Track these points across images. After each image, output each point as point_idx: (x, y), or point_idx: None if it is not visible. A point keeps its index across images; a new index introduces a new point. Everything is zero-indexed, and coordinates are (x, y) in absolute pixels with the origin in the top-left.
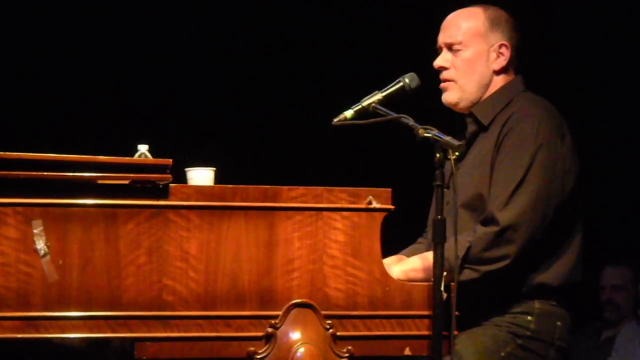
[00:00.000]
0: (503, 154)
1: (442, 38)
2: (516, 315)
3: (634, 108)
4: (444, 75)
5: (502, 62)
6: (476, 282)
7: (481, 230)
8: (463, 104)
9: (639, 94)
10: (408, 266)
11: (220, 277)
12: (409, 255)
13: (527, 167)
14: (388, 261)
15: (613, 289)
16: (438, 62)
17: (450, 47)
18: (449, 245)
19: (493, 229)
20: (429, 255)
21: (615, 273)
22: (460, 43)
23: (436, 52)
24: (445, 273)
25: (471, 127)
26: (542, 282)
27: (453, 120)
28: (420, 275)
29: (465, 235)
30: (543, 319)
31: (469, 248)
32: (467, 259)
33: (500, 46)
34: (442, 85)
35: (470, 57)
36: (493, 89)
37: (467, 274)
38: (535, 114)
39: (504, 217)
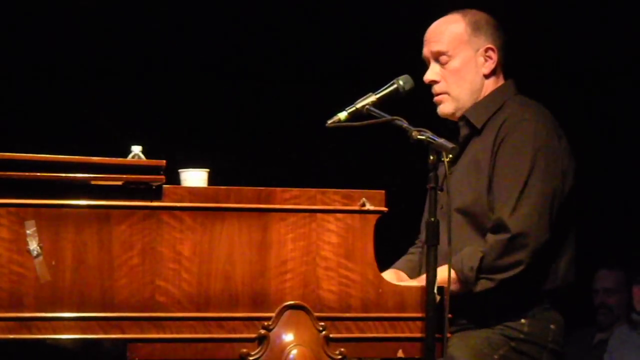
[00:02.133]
0: (502, 160)
1: (427, 50)
2: (510, 318)
3: (629, 110)
4: (435, 89)
5: (490, 65)
6: (492, 291)
7: (492, 238)
8: (459, 113)
9: (633, 96)
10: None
11: (213, 278)
12: (402, 268)
13: (528, 171)
14: (387, 277)
15: (606, 293)
16: (428, 77)
17: (436, 58)
18: (461, 255)
19: (505, 236)
20: (441, 269)
21: (608, 276)
22: (446, 53)
23: (424, 64)
24: (456, 285)
25: (464, 131)
26: (538, 285)
27: (445, 123)
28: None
29: (476, 246)
30: (536, 321)
31: (482, 258)
32: (482, 269)
33: (487, 50)
34: (436, 99)
35: (459, 67)
36: (484, 92)
37: (483, 284)
38: (531, 118)
39: (514, 223)
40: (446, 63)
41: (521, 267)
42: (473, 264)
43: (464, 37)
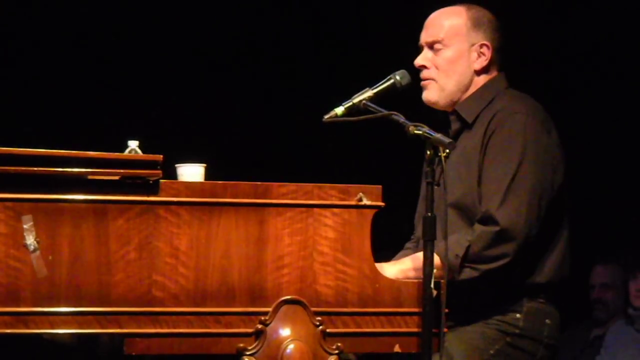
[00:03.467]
0: (492, 152)
1: (424, 36)
2: (505, 313)
3: (624, 103)
4: (424, 74)
5: (482, 62)
6: (475, 281)
7: (480, 229)
8: (443, 102)
9: (628, 89)
10: (405, 266)
11: (210, 273)
12: None
13: (518, 163)
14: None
15: (602, 288)
16: (418, 61)
17: (431, 45)
18: (447, 243)
19: (493, 228)
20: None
21: (605, 272)
22: (441, 42)
23: (419, 50)
24: (439, 271)
25: (455, 125)
26: (530, 279)
27: (436, 117)
28: (420, 274)
29: (464, 234)
30: (532, 316)
31: (468, 247)
32: (467, 258)
33: (482, 46)
34: (422, 83)
35: (451, 57)
36: (474, 88)
37: (468, 273)
38: (521, 111)
39: (503, 217)
40: (439, 51)
41: (506, 260)
42: (459, 251)
43: (463, 30)
